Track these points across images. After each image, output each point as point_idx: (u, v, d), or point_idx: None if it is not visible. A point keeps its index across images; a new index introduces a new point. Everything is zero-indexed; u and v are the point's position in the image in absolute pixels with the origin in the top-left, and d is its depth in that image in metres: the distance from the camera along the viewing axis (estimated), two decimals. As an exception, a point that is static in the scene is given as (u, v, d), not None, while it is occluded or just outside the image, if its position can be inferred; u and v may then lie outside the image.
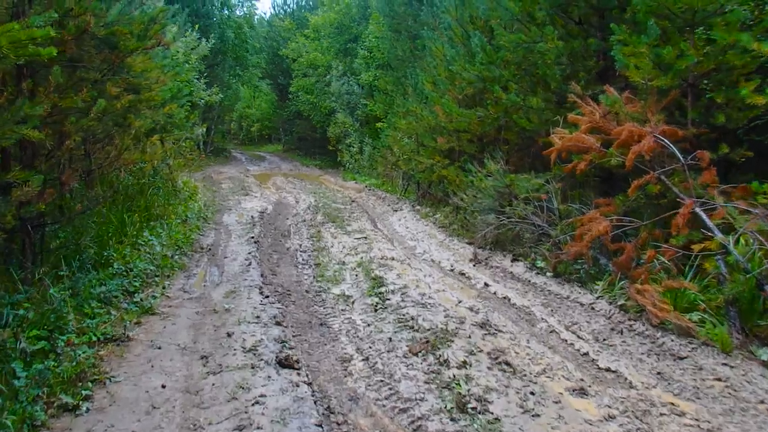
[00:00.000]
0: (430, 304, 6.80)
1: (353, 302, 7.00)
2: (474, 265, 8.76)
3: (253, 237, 10.45)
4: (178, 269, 8.26)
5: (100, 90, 6.15)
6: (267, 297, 7.01)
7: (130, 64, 6.79)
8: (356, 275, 8.16)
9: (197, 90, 22.14)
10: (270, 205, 14.61)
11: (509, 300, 7.15)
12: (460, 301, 6.95)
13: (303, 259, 9.08)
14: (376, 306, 6.82)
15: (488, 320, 6.32)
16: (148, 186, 10.81)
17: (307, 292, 7.43)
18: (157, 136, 11.66)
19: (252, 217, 12.73)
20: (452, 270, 8.65)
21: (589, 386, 4.93)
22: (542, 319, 6.50)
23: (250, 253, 9.27)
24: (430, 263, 9.09)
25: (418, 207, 13.71)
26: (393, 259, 8.95)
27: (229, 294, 7.14)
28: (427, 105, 13.48)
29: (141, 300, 6.68)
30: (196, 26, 21.97)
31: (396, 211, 13.89)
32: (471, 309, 6.69)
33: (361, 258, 9.05)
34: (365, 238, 10.54)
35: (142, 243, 8.71)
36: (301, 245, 10.05)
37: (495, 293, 7.44)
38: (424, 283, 7.67)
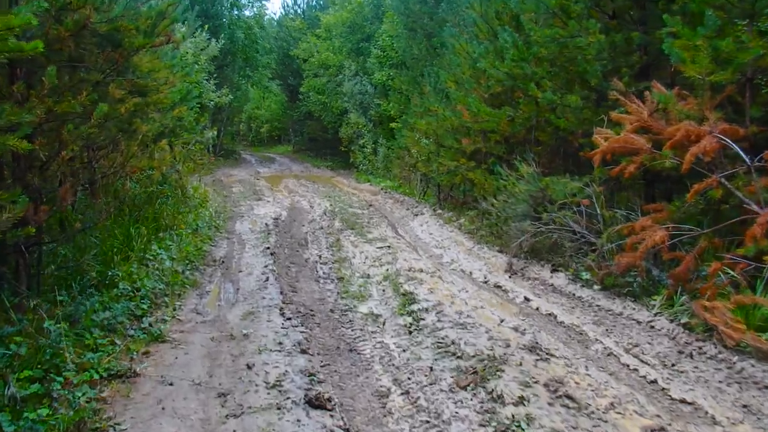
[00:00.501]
0: (469, 324, 6.12)
1: (384, 323, 6.32)
2: (510, 277, 8.07)
3: (268, 248, 9.79)
4: (189, 287, 7.60)
5: (102, 93, 5.49)
6: (289, 319, 6.33)
7: (136, 63, 6.14)
8: (383, 290, 7.48)
9: (207, 91, 21.54)
10: (284, 211, 13.95)
11: (555, 317, 6.44)
12: (502, 320, 6.25)
13: (324, 273, 8.41)
14: (409, 327, 6.14)
15: (537, 342, 5.62)
16: (157, 194, 10.18)
17: (332, 311, 6.75)
18: (165, 140, 11.02)
19: (266, 224, 12.08)
20: (486, 282, 7.96)
21: (669, 424, 4.24)
22: (596, 339, 5.80)
23: (266, 266, 8.61)
24: (461, 275, 8.40)
25: (440, 211, 13.02)
26: (421, 270, 8.27)
27: (246, 315, 6.48)
28: (448, 104, 12.79)
29: (149, 325, 6.02)
30: (206, 27, 21.37)
31: (416, 215, 13.20)
32: (516, 329, 5.99)
33: (387, 270, 8.37)
34: (388, 247, 9.86)
35: (151, 258, 8.07)
36: (320, 256, 9.38)
37: (538, 309, 6.74)
38: (459, 299, 6.98)
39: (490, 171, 10.59)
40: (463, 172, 11.25)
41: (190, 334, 5.94)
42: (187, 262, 8.55)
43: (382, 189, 18.24)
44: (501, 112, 9.74)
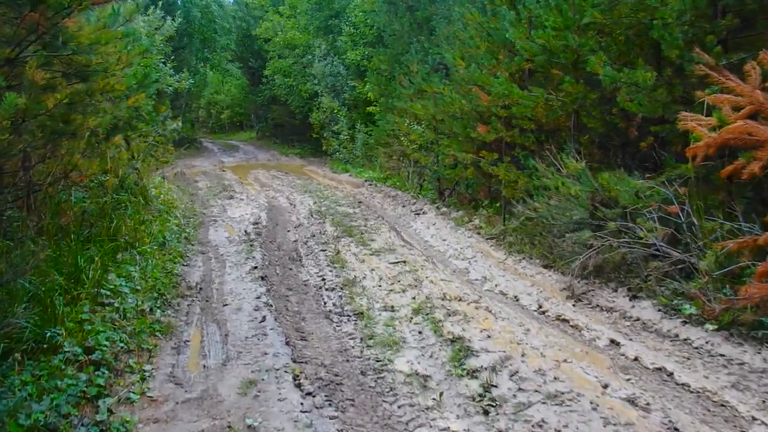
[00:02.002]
0: (564, 394, 4.32)
1: (441, 395, 4.45)
2: (574, 305, 6.27)
3: (255, 267, 7.80)
4: (161, 335, 5.60)
5: (17, 75, 3.45)
6: (309, 394, 4.42)
7: (71, 32, 4.08)
8: (419, 332, 5.62)
9: (164, 76, 19.15)
10: (262, 212, 11.91)
11: (671, 376, 4.67)
12: (605, 386, 4.45)
13: (334, 304, 6.48)
14: (480, 401, 4.30)
15: (677, 430, 3.85)
16: (113, 204, 8.07)
17: (362, 374, 4.84)
18: (120, 136, 8.87)
19: (245, 231, 10.04)
20: (545, 313, 6.16)
21: None
22: (753, 417, 4.05)
23: (258, 296, 6.65)
24: (506, 301, 6.58)
25: (445, 209, 11.15)
26: (459, 299, 6.43)
27: (246, 387, 4.54)
28: (452, 86, 10.88)
29: (109, 414, 4.06)
30: (159, 3, 18.92)
31: (418, 214, 11.31)
32: (632, 402, 4.21)
33: (414, 298, 6.51)
34: (404, 262, 7.98)
35: (107, 293, 6.03)
36: (323, 278, 7.44)
37: (638, 360, 4.96)
38: (529, 347, 5.16)
39: (517, 165, 8.78)
40: (483, 165, 9.36)
41: (169, 425, 3.99)
42: (155, 294, 6.52)
43: (366, 181, 16.26)
44: (536, 94, 7.88)
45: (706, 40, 6.16)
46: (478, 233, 9.36)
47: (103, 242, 7.10)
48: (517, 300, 6.58)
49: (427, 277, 7.30)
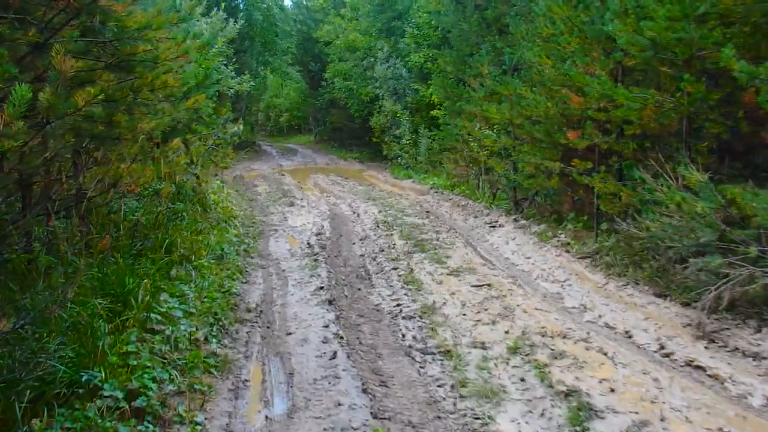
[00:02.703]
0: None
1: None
2: (706, 347, 5.14)
3: (321, 287, 6.92)
4: (216, 371, 4.76)
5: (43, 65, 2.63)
6: (399, 468, 3.48)
7: (114, 12, 3.25)
8: (522, 378, 4.60)
9: (226, 78, 18.65)
10: (324, 221, 11.07)
11: None
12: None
13: (414, 337, 5.53)
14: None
15: None
16: (168, 215, 7.35)
17: (462, 438, 3.88)
18: (178, 139, 8.16)
19: (307, 243, 9.21)
20: (669, 355, 5.04)
21: None
22: None
23: (326, 325, 5.75)
24: (615, 337, 5.49)
25: (523, 222, 10.05)
26: (563, 335, 5.39)
27: (320, 454, 3.63)
28: (528, 86, 9.79)
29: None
30: (222, 4, 18.44)
31: (493, 227, 10.25)
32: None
33: (507, 332, 5.51)
34: (488, 285, 6.97)
35: (158, 317, 5.25)
36: (397, 302, 6.50)
37: (813, 431, 3.84)
38: (667, 407, 4.09)
39: (616, 176, 7.65)
40: (575, 175, 8.23)
41: None
42: (211, 318, 5.71)
43: (431, 188, 15.27)
44: (645, 95, 6.73)
45: None
46: (567, 251, 8.24)
47: (156, 257, 6.36)
48: (630, 337, 5.48)
49: (518, 305, 6.27)
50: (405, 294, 6.75)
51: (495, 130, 12.63)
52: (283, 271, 7.83)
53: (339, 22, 26.15)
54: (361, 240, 9.65)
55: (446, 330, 5.64)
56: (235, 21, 19.66)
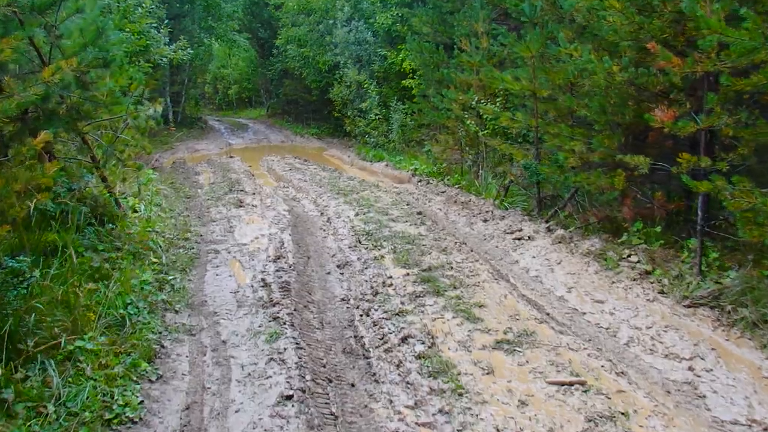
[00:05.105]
0: None
1: None
2: None
3: (289, 395, 3.79)
4: None
5: None
6: None
7: None
8: None
9: (157, 44, 14.97)
10: (284, 232, 7.87)
11: None
12: None
13: None
14: None
15: None
16: (5, 277, 4.11)
17: None
18: (45, 133, 4.81)
19: (262, 279, 6.02)
20: None
21: None
22: None
23: None
24: None
25: (561, 231, 7.03)
26: None
27: None
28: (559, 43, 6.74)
29: None
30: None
31: (519, 239, 7.22)
32: None
33: None
34: (581, 383, 3.95)
35: None
36: (431, 428, 3.45)
37: None
38: None
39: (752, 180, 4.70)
40: (684, 179, 5.22)
41: None
42: None
43: (412, 174, 12.14)
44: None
45: None
46: (661, 291, 5.29)
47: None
48: None
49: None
50: (437, 407, 3.68)
51: (499, 104, 9.59)
52: (224, 343, 4.67)
53: (290, -19, 22.36)
54: (339, 267, 6.52)
55: None
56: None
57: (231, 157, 16.71)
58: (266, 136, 23.19)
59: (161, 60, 15.35)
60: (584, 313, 5.14)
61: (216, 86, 36.86)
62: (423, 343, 4.51)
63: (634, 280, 5.55)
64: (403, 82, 15.61)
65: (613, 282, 5.60)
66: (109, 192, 7.07)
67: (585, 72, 6.24)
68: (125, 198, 8.16)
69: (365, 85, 17.02)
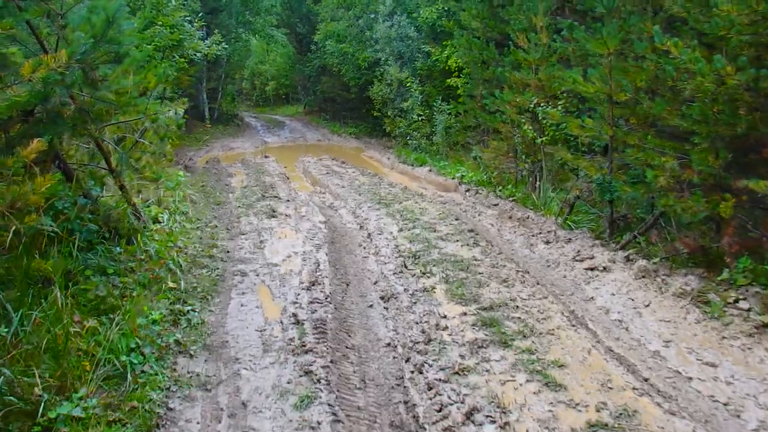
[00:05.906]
0: None
1: None
2: None
3: None
4: None
5: None
6: None
7: None
8: None
9: (191, 39, 14.20)
10: (320, 251, 6.94)
11: None
12: None
13: None
14: None
15: None
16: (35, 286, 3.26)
17: None
18: (39, 141, 3.96)
19: (293, 314, 5.09)
20: None
21: None
22: None
23: None
24: None
25: (642, 262, 5.92)
26: None
27: None
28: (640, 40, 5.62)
29: None
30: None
31: (594, 269, 6.13)
32: None
33: None
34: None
35: None
36: None
37: None
38: None
39: None
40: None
41: None
42: None
43: (459, 182, 11.10)
44: None
45: None
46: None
47: None
48: None
49: None
50: None
51: (561, 108, 8.49)
52: (244, 406, 3.74)
53: (330, -26, 21.43)
54: (383, 300, 5.55)
55: None
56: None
57: (266, 156, 15.91)
58: (303, 135, 22.38)
59: (195, 55, 14.61)
60: (690, 379, 4.05)
61: (253, 82, 36.22)
62: (494, 421, 3.51)
63: (751, 336, 4.44)
64: (448, 80, 14.57)
65: (724, 337, 4.50)
66: (128, 202, 6.24)
67: (685, 73, 5.12)
68: (147, 207, 7.34)
69: (407, 84, 16.00)
